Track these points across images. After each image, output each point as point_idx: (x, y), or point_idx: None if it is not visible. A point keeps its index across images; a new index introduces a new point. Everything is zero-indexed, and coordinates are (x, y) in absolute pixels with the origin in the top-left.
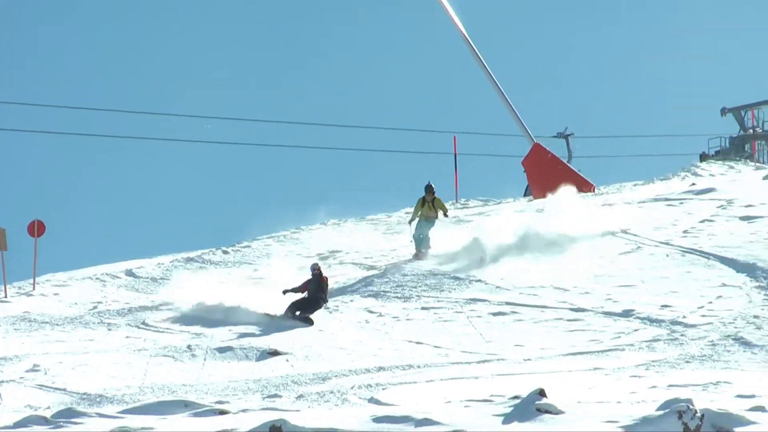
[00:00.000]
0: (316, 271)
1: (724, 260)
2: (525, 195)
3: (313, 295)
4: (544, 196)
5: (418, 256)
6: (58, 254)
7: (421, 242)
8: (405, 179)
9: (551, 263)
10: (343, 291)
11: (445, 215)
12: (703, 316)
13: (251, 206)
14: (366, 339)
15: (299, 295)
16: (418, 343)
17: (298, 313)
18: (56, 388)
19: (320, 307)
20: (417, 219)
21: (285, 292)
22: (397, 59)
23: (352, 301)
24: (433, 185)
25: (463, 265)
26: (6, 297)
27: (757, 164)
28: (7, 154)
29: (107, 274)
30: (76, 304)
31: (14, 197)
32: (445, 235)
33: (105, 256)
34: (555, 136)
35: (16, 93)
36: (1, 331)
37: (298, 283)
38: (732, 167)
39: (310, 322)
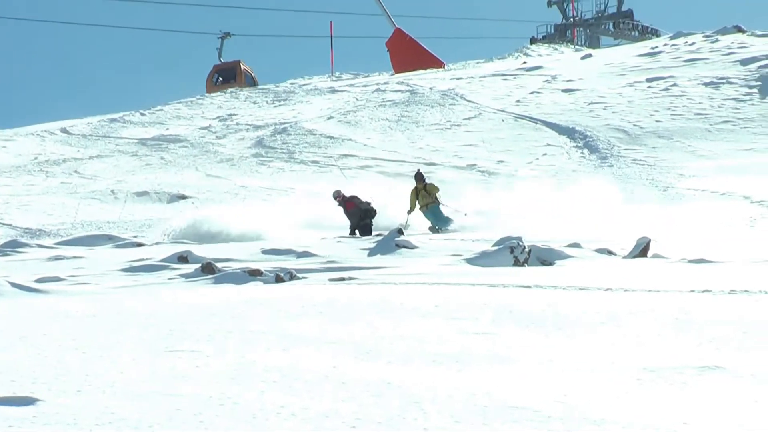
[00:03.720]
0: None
1: (548, 124)
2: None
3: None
4: (403, 71)
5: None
6: (4, 113)
7: (442, 224)
8: (292, 55)
9: (407, 129)
10: (240, 151)
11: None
12: (532, 170)
13: (163, 78)
14: (256, 185)
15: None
16: (295, 188)
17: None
18: (4, 224)
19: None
20: (416, 209)
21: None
22: None
23: (242, 157)
24: (422, 172)
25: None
26: None
27: (576, 47)
28: None
29: (46, 131)
30: (20, 155)
31: None
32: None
33: (44, 115)
34: None
35: None
36: None
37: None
38: (556, 49)
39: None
